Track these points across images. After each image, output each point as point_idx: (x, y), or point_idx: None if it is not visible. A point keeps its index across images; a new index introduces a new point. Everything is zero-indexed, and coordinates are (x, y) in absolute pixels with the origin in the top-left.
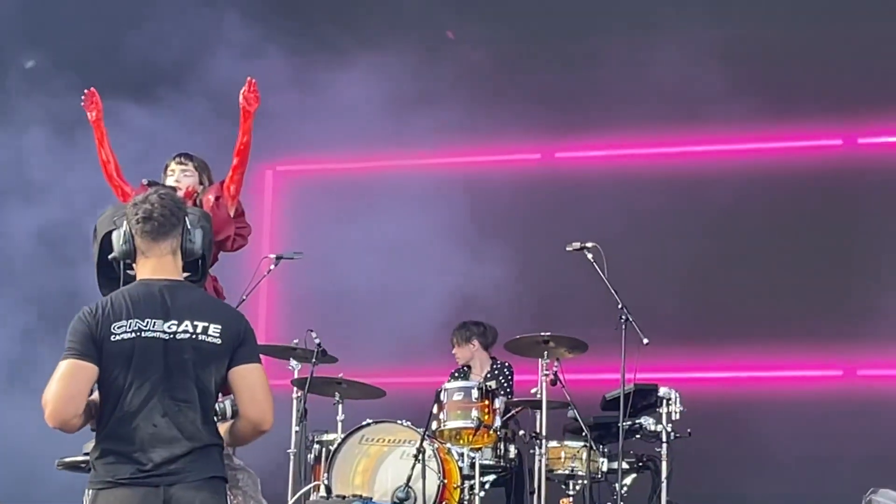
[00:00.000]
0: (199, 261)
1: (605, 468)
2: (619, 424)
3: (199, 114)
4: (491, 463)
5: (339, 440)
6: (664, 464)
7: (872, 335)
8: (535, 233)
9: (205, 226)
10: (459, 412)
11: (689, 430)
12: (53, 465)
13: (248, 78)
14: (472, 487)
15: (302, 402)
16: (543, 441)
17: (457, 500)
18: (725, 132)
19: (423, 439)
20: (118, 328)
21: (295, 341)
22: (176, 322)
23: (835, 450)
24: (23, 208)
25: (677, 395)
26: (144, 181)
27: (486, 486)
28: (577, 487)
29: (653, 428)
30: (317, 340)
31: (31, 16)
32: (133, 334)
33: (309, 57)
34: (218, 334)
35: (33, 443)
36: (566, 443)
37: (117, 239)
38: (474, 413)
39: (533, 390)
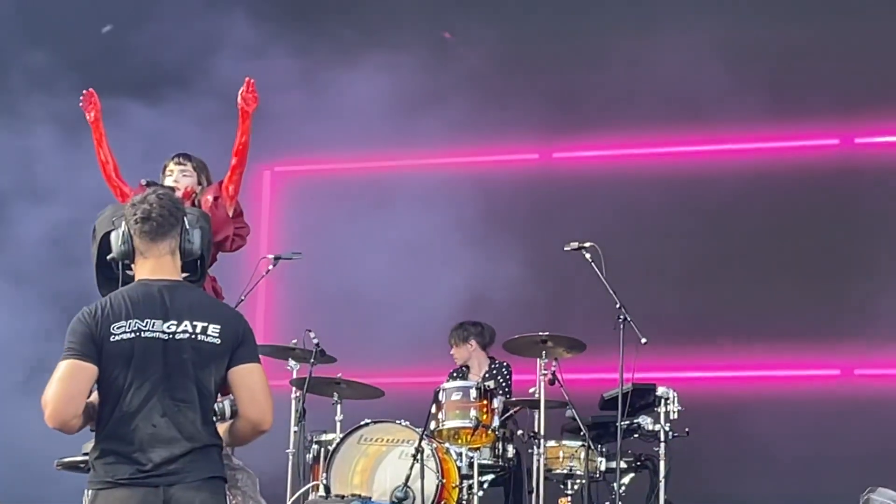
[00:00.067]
0: (198, 261)
1: (603, 468)
2: (618, 424)
3: (205, 113)
4: (489, 462)
5: (338, 440)
6: (662, 463)
7: (870, 334)
8: (534, 232)
9: (203, 226)
10: (458, 412)
11: (686, 430)
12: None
13: (247, 78)
14: (470, 487)
15: (301, 402)
16: (542, 440)
17: (455, 499)
18: (723, 132)
19: (421, 439)
20: (118, 328)
21: (293, 341)
22: (175, 322)
23: (832, 449)
24: (37, 208)
25: (675, 394)
26: (143, 181)
27: (485, 486)
28: (576, 487)
29: (651, 427)
30: (315, 340)
31: (35, 16)
32: (133, 334)
33: (307, 57)
34: (217, 334)
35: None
36: (564, 442)
37: (116, 239)
38: (473, 413)
39: (531, 390)
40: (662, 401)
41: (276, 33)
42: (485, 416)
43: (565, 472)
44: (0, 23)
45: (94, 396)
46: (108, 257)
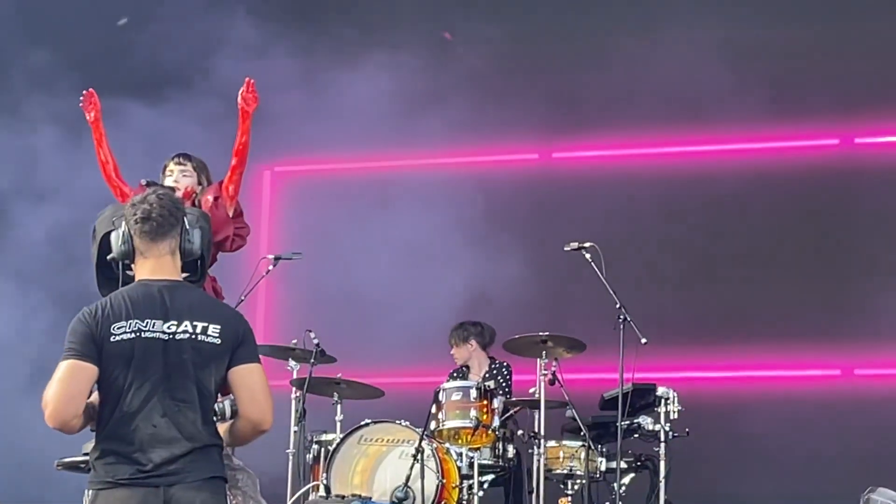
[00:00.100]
0: (198, 261)
1: (603, 468)
2: (618, 424)
3: (207, 113)
4: (489, 462)
5: (338, 440)
6: (662, 463)
7: (870, 334)
8: (534, 233)
9: (203, 226)
10: (458, 412)
11: (687, 430)
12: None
13: (247, 78)
14: (470, 487)
15: (301, 402)
16: (542, 441)
17: (455, 499)
18: (723, 132)
19: (421, 439)
20: (118, 329)
21: (294, 341)
22: (175, 322)
23: (833, 449)
24: (41, 207)
25: (675, 394)
26: (143, 181)
27: (485, 486)
28: (576, 487)
29: (651, 427)
30: (315, 341)
31: (36, 16)
32: (133, 335)
33: (307, 57)
34: (217, 334)
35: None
36: (565, 442)
37: (116, 239)
38: (473, 413)
39: (531, 390)
40: (662, 401)
41: (277, 33)
42: (485, 416)
43: (565, 472)
44: (1, 23)
45: (95, 397)
46: (108, 257)
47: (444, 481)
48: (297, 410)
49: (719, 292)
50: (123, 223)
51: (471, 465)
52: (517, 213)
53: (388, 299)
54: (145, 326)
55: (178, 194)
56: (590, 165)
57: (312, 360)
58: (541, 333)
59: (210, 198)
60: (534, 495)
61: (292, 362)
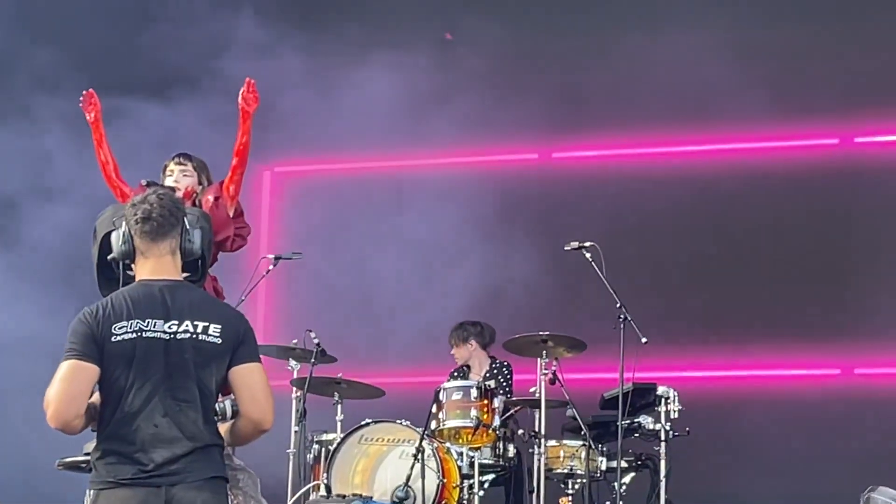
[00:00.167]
0: (199, 261)
1: (603, 467)
2: (618, 423)
3: (214, 113)
4: (490, 462)
5: (339, 440)
6: (663, 462)
7: (869, 333)
8: (534, 233)
9: (204, 226)
10: (458, 411)
11: (687, 429)
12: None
13: (247, 78)
14: (471, 487)
15: (301, 402)
16: (542, 440)
17: (456, 499)
18: (723, 131)
19: (422, 439)
20: (119, 329)
21: (294, 341)
22: (176, 322)
23: (833, 448)
24: (55, 207)
25: (676, 393)
26: (143, 181)
27: (486, 486)
28: (576, 486)
29: (651, 427)
30: (316, 340)
31: (44, 16)
32: (134, 335)
33: (312, 57)
34: (218, 334)
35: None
36: (565, 442)
37: (116, 239)
38: (473, 412)
39: (532, 389)
40: (663, 400)
41: (282, 33)
42: (485, 416)
43: (566, 471)
44: (8, 23)
45: (96, 397)
46: (109, 257)
47: (445, 481)
48: (297, 410)
49: (719, 292)
50: (124, 223)
51: (471, 465)
52: (518, 214)
53: (387, 299)
54: (146, 326)
55: (179, 194)
56: (590, 165)
57: (313, 360)
58: (541, 333)
59: (210, 198)
60: (534, 495)
61: (293, 362)
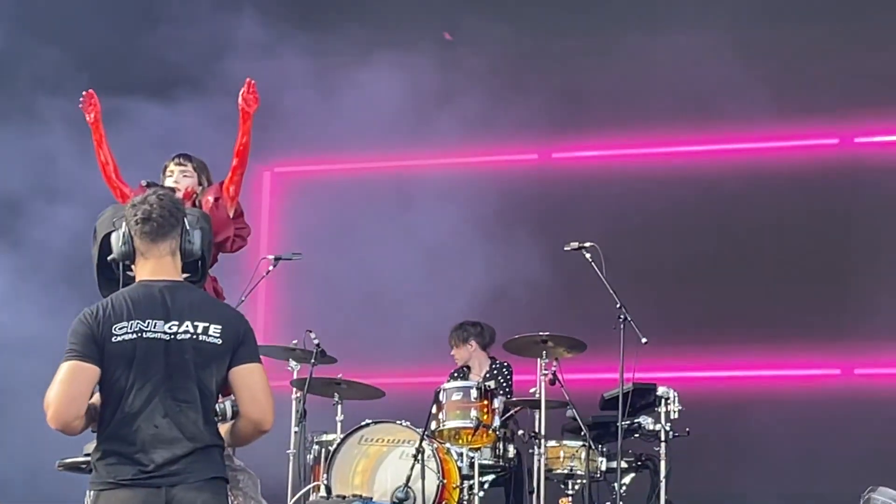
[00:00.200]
0: (199, 261)
1: (603, 467)
2: (618, 424)
3: (217, 113)
4: (490, 463)
5: (339, 440)
6: (663, 463)
7: (869, 334)
8: (534, 233)
9: (204, 227)
10: (458, 412)
11: (687, 430)
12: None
13: (248, 79)
14: (471, 487)
15: (301, 402)
16: (542, 440)
17: (456, 499)
18: (723, 132)
19: (422, 439)
20: (119, 329)
21: (294, 342)
22: (177, 323)
23: (833, 448)
24: (61, 208)
25: (676, 394)
26: (143, 182)
27: (486, 486)
28: (576, 487)
29: (651, 427)
30: (316, 341)
31: (47, 17)
32: (134, 335)
33: (310, 58)
34: (218, 334)
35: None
36: (565, 442)
37: (116, 240)
38: (473, 413)
39: (532, 390)
40: (663, 400)
41: (284, 33)
42: (485, 417)
43: (566, 472)
44: (12, 24)
45: (96, 398)
46: (109, 258)
47: (445, 481)
48: (297, 411)
49: (719, 292)
50: (124, 224)
51: (471, 466)
52: (518, 214)
53: (387, 299)
54: (147, 327)
55: (179, 195)
56: (591, 165)
57: (313, 361)
58: (541, 333)
59: (210, 198)
60: (534, 495)
61: (293, 363)
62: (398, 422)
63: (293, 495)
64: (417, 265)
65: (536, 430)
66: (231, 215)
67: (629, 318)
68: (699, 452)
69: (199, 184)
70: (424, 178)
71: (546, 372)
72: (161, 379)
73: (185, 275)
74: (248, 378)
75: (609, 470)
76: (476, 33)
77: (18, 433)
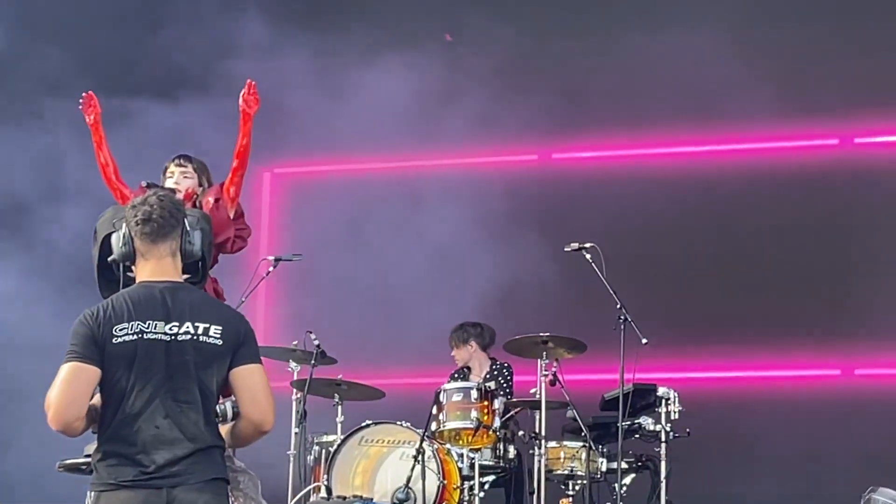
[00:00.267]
0: (200, 262)
1: (604, 468)
2: (619, 424)
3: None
4: (490, 463)
5: (339, 441)
6: (663, 463)
7: (870, 334)
8: (534, 233)
9: (204, 227)
10: (459, 413)
11: (687, 430)
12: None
13: (248, 80)
14: (471, 488)
15: (301, 403)
16: (543, 441)
17: (456, 500)
18: (723, 132)
19: (422, 440)
20: (120, 330)
21: (294, 343)
22: (177, 323)
23: (833, 449)
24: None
25: (676, 394)
26: (143, 183)
27: (486, 487)
28: (577, 487)
29: (652, 428)
30: (316, 342)
31: (51, 18)
32: (135, 336)
33: (311, 59)
34: (219, 335)
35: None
36: (565, 443)
37: (116, 241)
38: (473, 414)
39: (532, 391)
40: (663, 401)
41: (288, 34)
42: (486, 417)
43: (566, 472)
44: (18, 26)
45: (97, 399)
46: (109, 259)
47: (445, 482)
48: (298, 412)
49: (719, 292)
50: (124, 225)
51: (472, 466)
52: (519, 214)
53: (387, 300)
54: (147, 328)
55: (179, 196)
56: (591, 166)
57: (313, 362)
58: (541, 334)
59: (211, 199)
60: (535, 496)
61: (293, 364)
62: (398, 423)
63: (293, 496)
64: (419, 265)
65: (537, 430)
66: (231, 216)
67: (629, 319)
68: (699, 453)
69: (200, 185)
70: (426, 179)
71: (546, 373)
72: (162, 380)
73: (185, 276)
74: (248, 379)
75: (609, 470)
76: (477, 33)
77: (27, 434)
